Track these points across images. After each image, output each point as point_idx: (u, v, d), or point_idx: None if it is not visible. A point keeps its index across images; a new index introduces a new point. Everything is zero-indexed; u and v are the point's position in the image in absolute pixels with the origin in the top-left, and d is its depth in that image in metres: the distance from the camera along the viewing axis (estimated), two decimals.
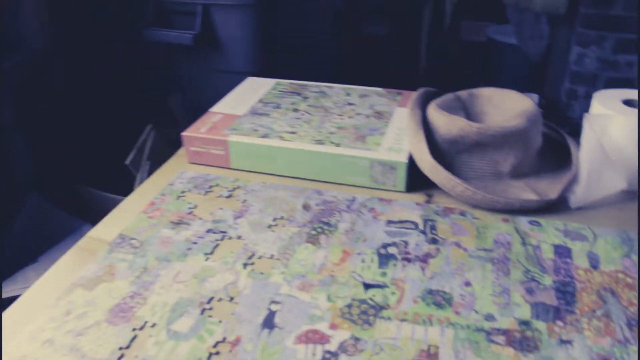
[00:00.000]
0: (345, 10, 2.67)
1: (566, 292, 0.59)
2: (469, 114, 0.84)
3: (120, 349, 0.53)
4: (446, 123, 0.77)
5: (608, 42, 2.02)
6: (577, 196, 0.75)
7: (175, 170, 0.86)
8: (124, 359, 0.52)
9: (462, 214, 0.73)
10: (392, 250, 0.65)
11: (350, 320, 0.56)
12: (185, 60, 1.49)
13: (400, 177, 0.76)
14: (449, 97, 0.84)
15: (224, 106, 0.93)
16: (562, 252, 0.66)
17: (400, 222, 0.71)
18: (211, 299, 0.59)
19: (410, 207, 0.74)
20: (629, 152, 0.78)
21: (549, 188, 0.77)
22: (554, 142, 0.87)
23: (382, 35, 2.65)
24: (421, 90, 0.87)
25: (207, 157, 0.85)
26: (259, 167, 0.82)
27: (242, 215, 0.73)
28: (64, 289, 0.62)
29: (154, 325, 0.56)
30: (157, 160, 1.28)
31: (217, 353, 0.53)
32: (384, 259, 0.64)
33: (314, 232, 0.69)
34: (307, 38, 1.67)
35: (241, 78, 1.11)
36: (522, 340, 0.53)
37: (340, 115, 0.89)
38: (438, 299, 0.58)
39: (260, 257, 0.65)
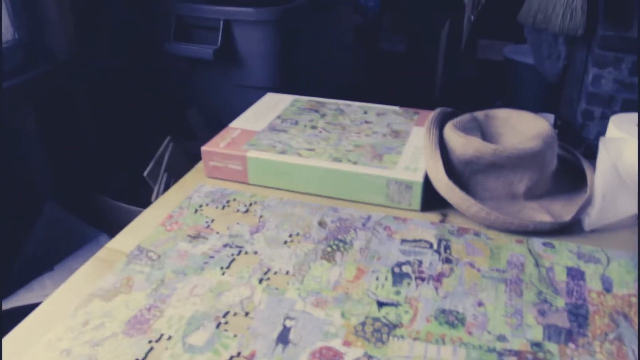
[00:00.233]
0: (364, 27, 2.69)
1: (579, 314, 0.60)
2: (485, 134, 0.84)
3: None
4: (462, 143, 0.77)
5: (625, 64, 2.02)
6: (591, 219, 0.75)
7: (193, 184, 0.87)
8: None
9: (477, 234, 0.73)
10: (406, 269, 0.66)
11: (364, 338, 0.56)
12: (205, 74, 1.51)
13: (416, 196, 0.77)
14: (465, 117, 0.85)
15: (242, 122, 0.95)
16: (575, 274, 0.66)
17: (415, 241, 0.71)
18: (227, 313, 0.60)
19: (425, 226, 0.74)
20: None
21: (564, 210, 0.78)
22: (569, 163, 0.88)
23: (400, 52, 2.67)
24: (438, 110, 0.88)
25: (225, 172, 0.86)
26: (276, 183, 0.84)
27: (259, 231, 0.74)
28: (82, 299, 0.63)
29: (170, 338, 0.57)
30: (175, 172, 1.30)
31: None
32: (398, 277, 0.65)
33: (329, 249, 0.70)
34: (326, 54, 1.69)
35: (260, 93, 1.12)
36: None
37: (358, 133, 0.90)
38: (451, 318, 0.59)
39: (275, 273, 0.66)
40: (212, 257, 0.69)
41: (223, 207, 0.80)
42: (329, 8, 1.61)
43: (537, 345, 0.56)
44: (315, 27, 1.55)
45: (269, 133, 0.90)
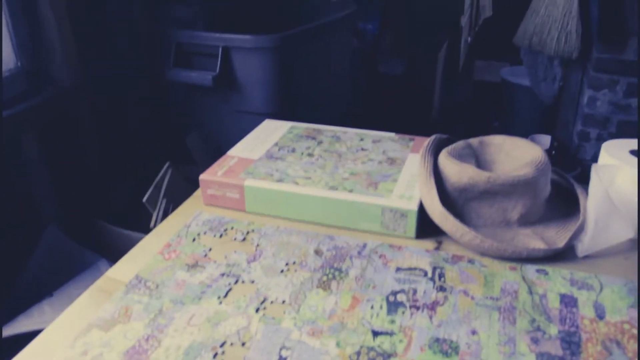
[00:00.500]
0: (363, 50, 2.72)
1: (571, 342, 0.60)
2: (480, 161, 0.85)
3: None
4: (457, 171, 0.79)
5: (620, 86, 2.04)
6: (584, 245, 0.76)
7: (191, 212, 0.88)
8: None
9: (471, 261, 0.74)
10: (400, 297, 0.67)
11: None
12: (204, 100, 1.53)
13: (411, 224, 0.78)
14: (460, 144, 0.86)
15: (240, 149, 0.96)
16: (568, 301, 0.67)
17: (410, 269, 0.72)
18: (224, 343, 0.61)
19: (419, 254, 0.75)
20: (636, 202, 0.80)
21: (557, 236, 0.79)
22: (562, 188, 0.89)
23: (399, 74, 2.69)
24: (433, 137, 0.89)
25: (223, 200, 0.87)
26: (273, 211, 0.85)
27: (256, 259, 0.75)
28: (81, 328, 0.64)
29: None
30: (173, 198, 1.31)
31: None
32: (393, 306, 0.65)
33: (325, 278, 0.70)
34: (324, 78, 1.71)
35: (259, 118, 1.14)
36: None
37: (354, 160, 0.91)
38: (445, 347, 0.59)
39: (272, 302, 0.67)
40: (209, 286, 0.70)
41: (221, 236, 0.81)
42: (327, 34, 1.63)
43: None
44: (313, 53, 1.57)
45: (266, 161, 0.91)
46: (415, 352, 0.59)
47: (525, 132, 2.47)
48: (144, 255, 0.78)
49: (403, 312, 0.64)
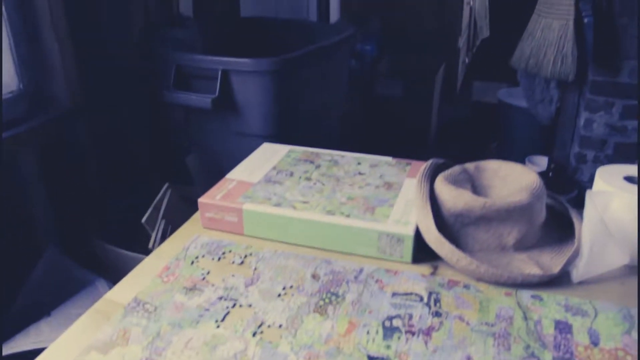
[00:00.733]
0: (361, 71, 2.75)
1: None
2: (476, 186, 0.87)
3: None
4: (453, 197, 0.80)
5: (616, 108, 2.06)
6: (579, 271, 0.77)
7: (190, 234, 0.89)
8: None
9: (466, 286, 0.75)
10: (396, 322, 0.67)
11: None
12: (203, 122, 1.55)
13: (407, 249, 0.79)
14: (456, 169, 0.87)
15: (239, 173, 0.97)
16: (562, 327, 0.67)
17: (406, 294, 0.73)
18: None
19: (415, 278, 0.76)
20: (630, 228, 0.81)
21: (552, 262, 0.79)
22: (557, 212, 0.90)
23: (396, 95, 2.72)
24: (430, 162, 0.91)
25: (222, 224, 0.88)
26: (271, 235, 0.85)
27: (253, 283, 0.76)
28: (79, 351, 0.64)
29: None
30: (172, 219, 1.31)
31: None
32: (389, 331, 0.66)
33: (322, 303, 0.71)
34: (323, 100, 1.73)
35: (257, 141, 1.15)
36: None
37: (351, 185, 0.92)
38: None
39: (269, 326, 0.67)
40: (207, 309, 0.71)
41: (219, 259, 0.82)
42: (326, 57, 1.65)
43: None
44: (312, 76, 1.59)
45: (265, 185, 0.92)
46: None
47: (522, 153, 2.49)
48: (143, 277, 0.79)
49: (399, 338, 0.65)
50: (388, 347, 0.64)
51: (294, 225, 0.83)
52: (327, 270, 0.78)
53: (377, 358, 0.62)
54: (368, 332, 0.66)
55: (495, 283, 0.75)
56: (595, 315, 0.69)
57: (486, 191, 0.86)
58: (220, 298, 0.73)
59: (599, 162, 2.15)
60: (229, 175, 0.96)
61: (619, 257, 0.79)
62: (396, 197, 0.88)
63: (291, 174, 0.96)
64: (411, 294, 0.73)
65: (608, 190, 0.83)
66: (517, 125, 2.58)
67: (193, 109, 1.49)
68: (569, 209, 0.88)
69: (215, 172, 1.48)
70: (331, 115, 1.86)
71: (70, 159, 1.43)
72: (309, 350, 0.63)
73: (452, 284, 0.75)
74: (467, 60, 3.82)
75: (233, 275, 0.78)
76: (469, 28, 3.79)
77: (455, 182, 0.84)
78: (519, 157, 2.48)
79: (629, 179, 0.86)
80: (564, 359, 0.62)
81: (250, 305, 0.71)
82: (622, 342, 0.65)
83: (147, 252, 1.29)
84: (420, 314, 0.69)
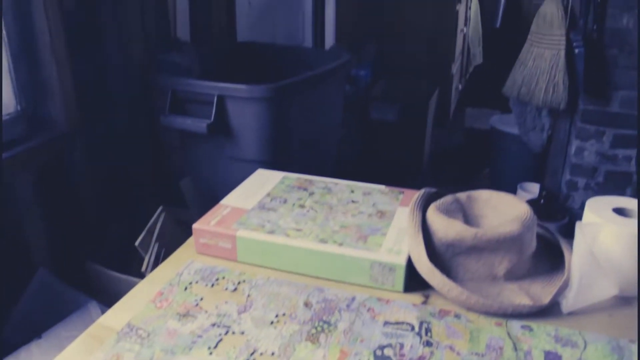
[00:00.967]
0: (355, 96, 2.78)
1: None
2: (467, 216, 0.88)
3: None
4: (444, 226, 0.81)
5: (606, 136, 2.09)
6: (569, 301, 0.78)
7: (184, 260, 0.90)
8: None
9: (457, 316, 0.75)
10: (388, 352, 0.68)
11: None
12: (198, 145, 1.56)
13: (399, 278, 0.80)
14: (448, 199, 0.89)
15: (233, 199, 0.98)
16: (552, 358, 0.68)
17: (397, 323, 0.73)
18: None
19: (407, 307, 0.77)
20: (620, 259, 0.82)
21: (542, 292, 0.80)
22: (548, 242, 0.91)
23: (390, 120, 2.74)
24: (422, 192, 0.92)
25: (215, 250, 0.89)
26: (264, 262, 0.86)
27: (246, 310, 0.76)
28: None
29: None
30: (166, 242, 1.32)
31: None
32: None
33: (314, 331, 0.72)
34: (317, 126, 1.75)
35: (252, 166, 1.16)
36: None
37: (344, 213, 0.93)
38: None
39: (261, 354, 0.68)
40: (200, 336, 0.71)
41: (212, 285, 0.82)
42: (321, 83, 1.67)
43: None
44: (307, 102, 1.61)
45: (259, 211, 0.93)
46: None
47: (514, 179, 2.51)
48: (136, 302, 0.79)
49: None
50: None
51: (287, 253, 0.84)
52: (320, 298, 0.78)
53: None
54: None
55: (485, 313, 0.76)
56: (585, 347, 0.70)
57: (478, 221, 0.87)
58: (214, 325, 0.73)
59: (590, 189, 2.17)
60: (224, 201, 0.97)
61: (608, 289, 0.80)
62: (388, 226, 0.89)
63: (285, 201, 0.97)
64: (402, 323, 0.73)
65: (597, 221, 0.85)
66: (509, 152, 2.61)
67: (188, 133, 1.50)
68: (559, 239, 0.90)
69: (210, 196, 1.49)
70: (326, 140, 1.88)
71: (66, 181, 1.43)
72: None
73: (443, 314, 0.76)
74: (460, 87, 3.86)
75: (226, 302, 0.78)
76: (462, 55, 3.84)
77: (447, 211, 0.85)
78: (511, 183, 2.50)
79: (617, 210, 0.87)
80: None
81: (242, 333, 0.72)
82: None
83: (140, 275, 1.30)
84: (412, 344, 0.69)
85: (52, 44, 1.31)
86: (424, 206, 0.89)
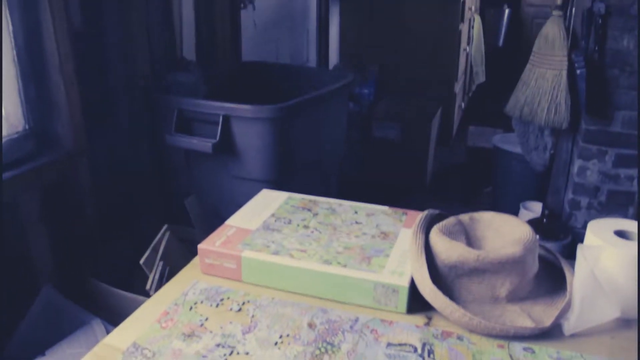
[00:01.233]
0: (359, 114, 2.80)
1: None
2: (470, 237, 0.89)
3: None
4: (447, 249, 0.82)
5: (608, 156, 2.10)
6: (571, 324, 0.78)
7: (189, 279, 0.91)
8: None
9: (460, 338, 0.76)
10: None
11: None
12: (203, 165, 1.57)
13: (402, 300, 0.80)
14: (450, 221, 0.90)
15: (238, 219, 0.99)
16: None
17: (400, 345, 0.74)
18: None
19: (410, 329, 0.78)
20: (621, 282, 0.82)
21: (544, 314, 0.81)
22: (550, 263, 0.92)
23: (393, 138, 2.76)
24: (425, 213, 0.93)
25: (220, 270, 0.90)
26: (269, 282, 0.87)
27: (251, 331, 0.77)
28: None
29: None
30: (170, 261, 1.33)
31: None
32: None
33: (317, 352, 0.72)
34: (321, 144, 1.76)
35: (256, 185, 1.17)
36: None
37: (348, 234, 0.94)
38: None
39: None
40: (205, 356, 0.72)
41: (217, 305, 0.83)
42: (325, 103, 1.69)
43: None
44: (311, 122, 1.62)
45: (263, 232, 0.94)
46: None
47: (517, 198, 2.52)
48: (142, 322, 0.80)
49: None
50: None
51: (292, 273, 0.85)
52: (324, 320, 0.79)
53: None
54: None
55: (487, 335, 0.77)
56: None
57: (480, 242, 0.88)
58: (218, 345, 0.74)
59: (593, 208, 2.18)
60: (229, 222, 0.98)
61: (609, 311, 0.80)
62: (392, 247, 0.90)
63: (289, 222, 0.98)
64: (405, 344, 0.74)
65: (599, 244, 0.85)
66: (512, 170, 2.61)
67: (194, 152, 1.52)
68: (561, 260, 0.90)
69: (214, 214, 1.50)
70: (330, 159, 1.89)
71: (71, 198, 1.44)
72: None
73: (445, 335, 0.76)
74: (463, 105, 3.88)
75: (231, 322, 0.79)
76: (465, 73, 3.87)
77: (449, 233, 0.86)
78: (514, 202, 2.51)
79: (619, 233, 0.88)
80: None
81: (247, 353, 0.72)
82: None
83: (145, 293, 1.31)
84: None
85: (60, 65, 1.33)
86: (427, 228, 0.90)
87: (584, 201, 2.20)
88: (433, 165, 3.02)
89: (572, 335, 0.78)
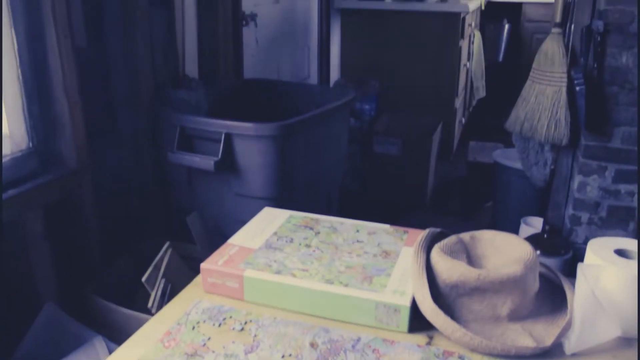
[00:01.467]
0: (360, 130, 2.81)
1: None
2: (471, 256, 0.89)
3: None
4: (448, 268, 0.82)
5: (608, 172, 2.10)
6: (572, 343, 0.79)
7: (192, 298, 0.91)
8: None
9: (461, 357, 0.76)
10: None
11: None
12: (205, 182, 1.58)
13: (404, 319, 0.81)
14: (452, 240, 0.90)
15: (241, 238, 1.00)
16: None
17: None
18: None
19: (412, 349, 0.78)
20: (622, 301, 0.83)
21: (545, 332, 0.81)
22: (550, 281, 0.92)
23: (394, 154, 2.77)
24: (426, 232, 0.94)
25: (223, 289, 0.90)
26: (271, 301, 0.88)
27: (253, 350, 0.77)
28: None
29: None
30: (172, 278, 1.33)
31: None
32: None
33: None
34: (323, 161, 1.77)
35: (258, 202, 1.18)
36: None
37: (350, 253, 0.95)
38: None
39: None
40: None
41: (219, 325, 0.84)
42: (327, 120, 1.70)
43: None
44: (312, 139, 1.63)
45: (266, 251, 0.95)
46: None
47: (518, 213, 2.52)
48: (145, 341, 0.80)
49: None
50: None
51: (294, 293, 0.85)
52: (325, 339, 0.80)
53: None
54: None
55: (489, 354, 0.77)
56: None
57: (481, 261, 0.88)
58: None
59: (593, 224, 2.18)
60: (231, 240, 0.99)
61: (610, 330, 0.81)
62: (393, 267, 0.90)
63: (291, 240, 0.99)
64: None
65: (599, 263, 0.86)
66: (513, 186, 2.62)
67: (196, 169, 1.53)
68: (562, 278, 0.91)
69: (216, 231, 1.50)
70: (331, 175, 1.90)
71: (74, 215, 1.45)
72: None
73: (447, 355, 0.77)
74: (463, 120, 3.90)
75: (233, 342, 0.79)
76: (466, 89, 3.89)
77: (450, 252, 0.86)
78: (514, 217, 2.51)
79: (619, 252, 0.89)
80: None
81: None
82: None
83: (147, 310, 1.31)
84: None
85: (64, 84, 1.35)
86: (428, 247, 0.91)
87: (584, 217, 2.20)
88: (434, 180, 3.03)
89: (573, 355, 0.79)
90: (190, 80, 1.87)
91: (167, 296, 1.31)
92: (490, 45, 4.50)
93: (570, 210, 2.22)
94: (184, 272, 1.38)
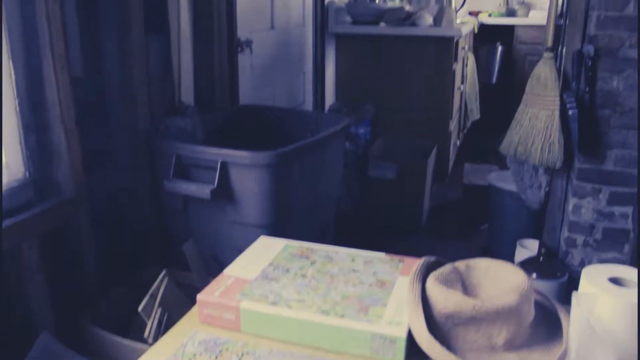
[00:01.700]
0: (355, 154, 2.82)
1: None
2: (466, 285, 0.90)
3: None
4: (443, 298, 0.83)
5: (602, 194, 2.12)
6: None
7: (188, 329, 0.91)
8: None
9: None
10: None
11: None
12: (201, 210, 1.59)
13: (400, 351, 0.81)
14: (447, 269, 0.91)
15: (236, 268, 1.00)
16: None
17: None
18: None
19: None
20: (617, 330, 0.83)
21: None
22: (546, 309, 0.93)
23: (389, 178, 2.78)
24: (421, 261, 0.94)
25: (219, 320, 0.90)
26: (268, 333, 0.88)
27: None
28: None
29: None
30: (169, 307, 1.33)
31: None
32: None
33: None
34: (318, 187, 1.78)
35: (254, 230, 1.18)
36: None
37: (345, 282, 0.95)
38: None
39: None
40: None
41: (216, 357, 0.83)
42: (322, 147, 1.71)
43: None
44: (308, 166, 1.64)
45: (262, 281, 0.95)
46: None
47: (513, 235, 2.52)
48: None
49: None
50: None
51: (290, 324, 0.86)
52: None
53: None
54: None
55: None
56: None
57: (476, 290, 0.89)
58: None
59: (589, 246, 2.19)
60: (227, 271, 0.99)
61: (606, 359, 0.81)
62: (389, 296, 0.91)
63: (287, 270, 0.99)
64: None
65: (593, 292, 0.86)
66: (508, 208, 2.63)
67: (192, 197, 1.53)
68: (557, 306, 0.91)
69: (212, 259, 1.51)
70: (327, 201, 1.91)
71: (70, 244, 1.45)
72: None
73: None
74: (458, 143, 3.92)
75: None
76: (460, 111, 3.91)
77: (445, 281, 0.87)
78: (510, 239, 2.52)
79: (613, 280, 0.89)
80: None
81: None
82: None
83: (143, 340, 1.30)
84: None
85: (62, 115, 1.36)
86: (423, 276, 0.91)
87: (579, 239, 2.21)
88: (429, 203, 3.04)
89: None
90: (186, 107, 1.89)
91: (164, 325, 1.31)
92: (483, 67, 4.54)
93: (565, 233, 2.23)
94: (180, 300, 1.38)
